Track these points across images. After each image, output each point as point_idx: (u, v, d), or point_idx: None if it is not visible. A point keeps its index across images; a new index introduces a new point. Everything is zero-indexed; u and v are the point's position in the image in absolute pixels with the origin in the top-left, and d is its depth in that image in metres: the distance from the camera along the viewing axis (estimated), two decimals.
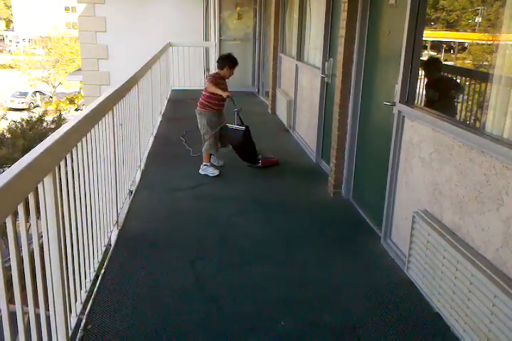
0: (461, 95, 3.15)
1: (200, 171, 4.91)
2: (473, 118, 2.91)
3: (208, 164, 4.94)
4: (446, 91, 3.25)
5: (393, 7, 3.47)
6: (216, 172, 4.88)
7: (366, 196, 4.05)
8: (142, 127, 4.95)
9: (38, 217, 1.81)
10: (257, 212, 4.03)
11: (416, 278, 2.81)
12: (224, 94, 4.73)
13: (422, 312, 2.61)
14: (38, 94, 30.17)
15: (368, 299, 2.75)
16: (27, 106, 27.11)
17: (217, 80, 4.86)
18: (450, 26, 3.43)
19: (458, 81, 3.40)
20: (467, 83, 3.20)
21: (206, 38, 11.46)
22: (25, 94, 29.48)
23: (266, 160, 5.22)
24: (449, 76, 3.54)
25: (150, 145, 5.74)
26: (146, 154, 5.31)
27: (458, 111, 3.13)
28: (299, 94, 6.54)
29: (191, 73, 9.92)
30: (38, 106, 27.67)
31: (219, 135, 4.95)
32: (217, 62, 5.00)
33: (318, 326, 2.49)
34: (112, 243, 3.28)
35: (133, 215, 3.81)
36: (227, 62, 4.92)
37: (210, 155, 4.98)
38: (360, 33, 4.00)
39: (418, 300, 2.71)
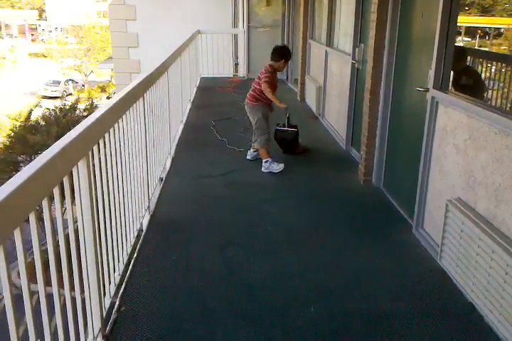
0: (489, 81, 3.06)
1: (262, 169, 4.59)
2: (510, 105, 2.82)
3: (270, 160, 4.60)
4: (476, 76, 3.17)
5: None
6: (281, 166, 4.57)
7: (397, 184, 3.99)
8: (172, 114, 4.98)
9: (73, 201, 1.85)
10: (287, 199, 4.03)
11: (449, 267, 2.77)
12: (280, 106, 4.61)
13: (455, 302, 2.57)
14: (70, 82, 30.70)
15: (400, 288, 2.73)
16: (60, 94, 27.64)
17: (274, 77, 4.66)
18: (485, 11, 3.31)
19: (480, 75, 3.30)
20: (503, 69, 3.09)
21: (235, 25, 11.40)
22: (57, 83, 30.03)
23: (299, 147, 5.20)
24: (472, 67, 3.42)
25: (180, 132, 5.78)
26: (176, 141, 5.35)
27: (490, 97, 3.03)
28: (329, 80, 6.46)
29: (220, 61, 9.90)
30: (70, 94, 28.18)
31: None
32: (273, 53, 4.71)
33: (349, 314, 2.49)
34: (144, 228, 3.33)
35: (164, 201, 3.85)
36: (287, 54, 4.72)
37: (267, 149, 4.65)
38: (392, 17, 3.91)
39: (451, 290, 2.67)
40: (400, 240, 3.31)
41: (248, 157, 4.95)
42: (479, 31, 3.67)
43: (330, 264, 2.98)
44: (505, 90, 2.91)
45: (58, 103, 15.09)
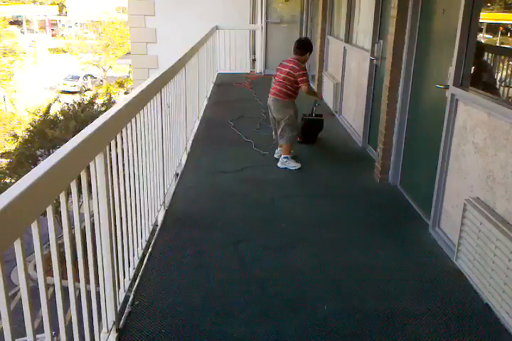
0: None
1: (279, 164, 4.57)
2: None
3: (289, 156, 4.57)
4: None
5: None
6: (298, 165, 4.55)
7: (415, 183, 3.94)
8: (189, 110, 4.99)
9: (90, 195, 1.86)
10: (302, 196, 4.01)
11: (465, 267, 2.73)
12: (319, 99, 4.96)
13: (470, 302, 2.54)
14: (89, 77, 30.97)
15: (415, 287, 2.70)
16: (78, 90, 27.92)
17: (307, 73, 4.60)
18: (508, 7, 3.25)
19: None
20: None
21: (252, 20, 11.36)
22: (76, 78, 30.31)
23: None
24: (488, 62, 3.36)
25: (196, 128, 5.80)
26: (192, 137, 5.37)
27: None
28: (347, 77, 6.41)
29: (237, 57, 9.89)
30: (89, 89, 28.45)
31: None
32: (299, 47, 4.57)
33: (362, 311, 2.47)
34: (159, 223, 3.35)
35: (179, 197, 3.87)
36: (311, 47, 4.65)
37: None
38: (412, 12, 3.86)
39: (467, 291, 2.63)
40: (416, 239, 3.27)
41: (276, 156, 4.79)
42: (501, 28, 3.61)
43: (344, 262, 2.97)
44: None
45: (77, 98, 15.25)
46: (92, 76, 31.27)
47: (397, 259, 3.01)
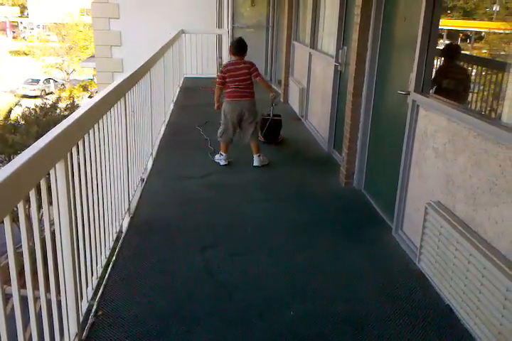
0: (471, 84, 3.10)
1: (257, 164, 4.75)
2: (489, 108, 2.86)
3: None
4: (459, 79, 3.20)
5: None
6: (224, 163, 4.81)
7: (378, 187, 4.01)
8: (154, 114, 4.94)
9: (50, 202, 1.82)
10: (267, 201, 4.02)
11: (427, 269, 2.79)
12: (274, 94, 5.04)
13: (432, 304, 2.60)
14: (51, 81, 30.22)
15: (378, 290, 2.74)
16: (39, 94, 27.17)
17: None
18: (467, 15, 3.35)
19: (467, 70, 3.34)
20: (483, 73, 3.14)
21: (219, 25, 11.37)
22: (36, 81, 29.43)
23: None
24: (462, 64, 3.47)
25: (162, 132, 5.74)
26: (158, 142, 5.32)
27: (470, 100, 3.08)
28: (312, 82, 6.48)
29: (204, 61, 9.87)
30: (51, 93, 27.78)
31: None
32: (242, 48, 4.72)
33: (327, 315, 2.49)
34: (124, 230, 3.30)
35: (144, 202, 3.82)
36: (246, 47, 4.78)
37: None
38: (375, 20, 3.94)
39: (429, 292, 2.69)
40: (380, 242, 3.33)
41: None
42: (461, 35, 3.72)
43: (309, 266, 2.99)
44: (485, 93, 2.95)
45: (38, 102, 14.88)
46: (53, 80, 30.48)
47: (361, 263, 3.05)
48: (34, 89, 28.44)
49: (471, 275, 2.31)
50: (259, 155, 4.77)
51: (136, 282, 2.73)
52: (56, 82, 30.55)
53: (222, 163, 4.81)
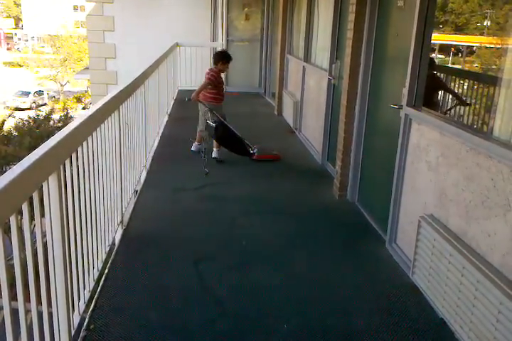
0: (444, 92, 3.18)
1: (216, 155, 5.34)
2: (480, 122, 2.89)
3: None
4: (434, 87, 3.26)
5: (402, 9, 3.45)
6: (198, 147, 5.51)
7: (372, 199, 4.02)
8: (148, 127, 4.95)
9: (43, 215, 1.81)
10: (261, 214, 4.02)
11: (421, 283, 2.79)
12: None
13: (426, 317, 2.59)
14: (46, 93, 29.99)
15: (372, 303, 2.73)
16: (29, 106, 26.80)
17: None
18: (459, 29, 3.40)
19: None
20: (475, 86, 3.18)
21: (214, 38, 11.46)
22: (27, 94, 28.97)
23: (262, 154, 5.30)
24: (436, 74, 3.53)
25: (156, 144, 5.74)
26: (151, 154, 5.31)
27: (462, 114, 3.12)
28: (306, 95, 6.52)
29: (198, 73, 9.91)
30: (44, 104, 27.59)
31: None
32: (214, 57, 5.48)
33: (321, 329, 2.48)
34: (116, 242, 3.28)
35: (138, 215, 3.80)
36: (218, 58, 5.41)
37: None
38: (367, 35, 3.99)
39: (422, 306, 2.69)
40: (374, 255, 3.33)
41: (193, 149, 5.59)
42: (452, 49, 3.77)
43: (303, 279, 2.98)
44: (477, 107, 2.99)
45: (31, 114, 14.86)
46: (43, 92, 29.90)
47: (355, 276, 3.04)
48: (24, 102, 28.01)
49: (464, 289, 2.31)
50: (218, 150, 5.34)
51: (129, 295, 2.70)
52: (47, 94, 30.29)
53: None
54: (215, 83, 5.34)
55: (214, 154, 5.37)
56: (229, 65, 5.50)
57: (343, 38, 4.63)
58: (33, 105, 27.34)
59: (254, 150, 5.26)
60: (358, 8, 3.99)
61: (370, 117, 4.05)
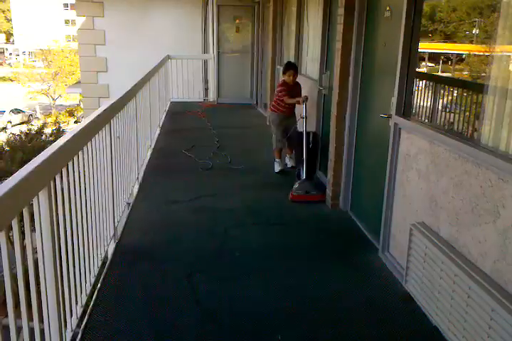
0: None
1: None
2: (469, 130, 2.92)
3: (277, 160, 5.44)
4: None
5: (388, 20, 3.50)
6: (278, 169, 5.40)
7: (364, 208, 4.04)
8: (140, 139, 4.95)
9: (33, 230, 1.80)
10: (255, 225, 4.02)
11: (414, 291, 2.80)
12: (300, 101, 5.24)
13: (419, 325, 2.59)
14: (31, 111, 28.35)
15: (366, 312, 2.73)
16: (3, 125, 22.60)
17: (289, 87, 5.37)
18: (447, 38, 3.44)
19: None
20: (464, 94, 3.22)
21: (205, 50, 11.53)
22: (1, 112, 26.77)
23: (300, 195, 4.52)
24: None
25: (148, 157, 5.75)
26: (144, 166, 5.31)
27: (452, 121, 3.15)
28: (297, 106, 6.54)
29: (190, 85, 9.97)
30: (22, 123, 24.77)
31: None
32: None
33: (315, 339, 2.47)
34: (109, 256, 3.26)
35: (130, 228, 3.79)
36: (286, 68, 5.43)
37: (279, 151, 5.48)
38: (356, 45, 4.03)
39: (416, 314, 2.68)
40: (367, 264, 3.33)
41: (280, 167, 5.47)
42: (442, 57, 3.81)
43: (298, 290, 2.97)
44: (466, 114, 3.02)
45: (23, 128, 14.79)
46: (19, 110, 28.22)
47: (348, 285, 3.04)
48: None
49: (456, 296, 2.32)
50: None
51: (122, 310, 2.68)
52: (23, 112, 28.41)
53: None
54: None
55: (288, 161, 5.56)
56: (292, 74, 5.35)
57: (333, 48, 4.67)
58: (8, 124, 24.48)
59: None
60: (346, 20, 4.04)
61: (361, 127, 4.08)
